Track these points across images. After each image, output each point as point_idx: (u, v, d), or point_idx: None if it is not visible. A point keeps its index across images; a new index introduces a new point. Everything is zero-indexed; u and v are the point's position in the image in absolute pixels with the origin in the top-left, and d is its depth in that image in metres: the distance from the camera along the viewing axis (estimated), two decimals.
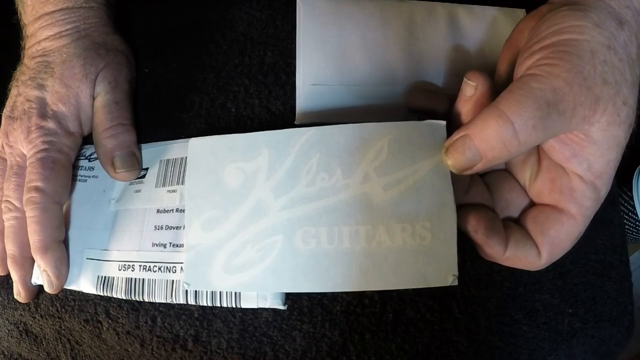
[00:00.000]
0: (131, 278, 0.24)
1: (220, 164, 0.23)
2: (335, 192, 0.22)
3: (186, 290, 0.23)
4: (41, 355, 0.27)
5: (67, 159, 0.26)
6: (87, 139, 0.28)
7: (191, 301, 0.23)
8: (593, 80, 0.18)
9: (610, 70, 0.18)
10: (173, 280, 0.24)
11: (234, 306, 0.23)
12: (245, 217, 0.22)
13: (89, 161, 0.28)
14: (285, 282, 0.21)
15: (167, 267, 0.24)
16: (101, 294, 0.25)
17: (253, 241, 0.22)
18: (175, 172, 0.26)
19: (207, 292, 0.23)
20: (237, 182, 0.23)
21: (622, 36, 0.19)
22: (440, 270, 0.21)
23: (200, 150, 0.24)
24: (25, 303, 0.26)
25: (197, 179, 0.23)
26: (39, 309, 0.26)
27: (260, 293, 0.23)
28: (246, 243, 0.22)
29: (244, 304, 0.23)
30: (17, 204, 0.25)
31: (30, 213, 0.24)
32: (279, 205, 0.22)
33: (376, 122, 0.22)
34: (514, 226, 0.22)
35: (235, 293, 0.23)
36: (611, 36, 0.18)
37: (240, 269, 0.22)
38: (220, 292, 0.23)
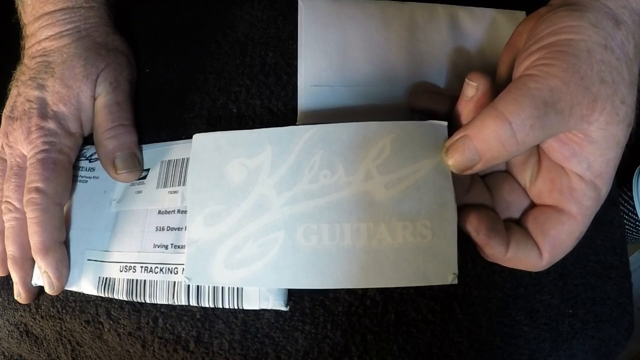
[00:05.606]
0: (132, 279, 0.24)
1: (224, 160, 0.23)
2: (337, 189, 0.22)
3: (188, 291, 0.23)
4: (42, 356, 0.26)
5: (68, 160, 0.26)
6: (88, 140, 0.28)
7: (193, 302, 0.23)
8: (590, 79, 0.18)
9: (608, 69, 0.18)
10: (175, 282, 0.24)
11: (235, 307, 0.23)
12: (247, 213, 0.22)
13: (90, 162, 0.28)
14: (285, 277, 0.21)
15: (168, 269, 0.24)
16: (102, 295, 0.25)
17: (255, 237, 0.22)
18: (177, 173, 0.26)
19: (209, 293, 0.23)
20: (240, 178, 0.23)
21: (619, 36, 0.19)
22: (441, 269, 0.21)
23: (204, 146, 0.24)
24: (26, 304, 0.26)
25: (200, 174, 0.23)
26: (39, 310, 0.26)
27: (263, 293, 0.23)
28: (248, 238, 0.22)
29: (246, 305, 0.23)
30: (17, 204, 0.25)
31: (30, 214, 0.24)
32: (281, 202, 0.22)
33: None
34: (514, 227, 0.22)
35: (238, 293, 0.23)
36: (608, 36, 0.19)
37: (242, 264, 0.22)
38: (222, 293, 0.23)
